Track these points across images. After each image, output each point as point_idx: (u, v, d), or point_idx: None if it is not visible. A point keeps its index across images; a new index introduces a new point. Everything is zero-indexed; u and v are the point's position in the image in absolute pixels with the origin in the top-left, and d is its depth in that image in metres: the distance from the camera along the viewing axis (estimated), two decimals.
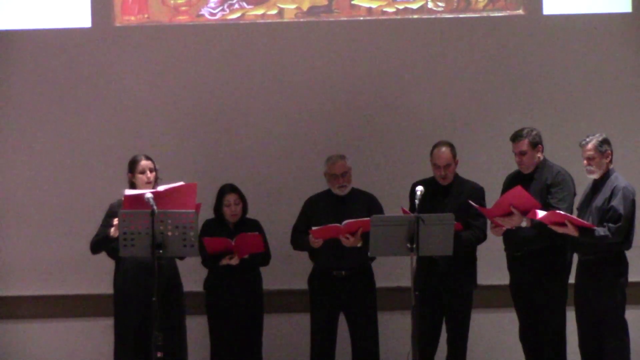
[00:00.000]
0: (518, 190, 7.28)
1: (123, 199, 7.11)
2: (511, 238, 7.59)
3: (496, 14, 8.89)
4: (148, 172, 7.40)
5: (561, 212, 7.23)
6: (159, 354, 6.72)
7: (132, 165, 7.47)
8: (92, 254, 7.63)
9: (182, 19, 8.94)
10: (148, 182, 7.36)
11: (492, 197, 7.66)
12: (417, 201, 7.02)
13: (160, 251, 6.79)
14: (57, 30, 8.86)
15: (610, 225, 7.17)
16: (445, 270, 7.59)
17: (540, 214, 7.20)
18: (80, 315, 8.80)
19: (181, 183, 7.14)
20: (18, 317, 8.81)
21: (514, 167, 7.76)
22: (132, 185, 7.44)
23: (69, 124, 8.86)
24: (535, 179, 7.63)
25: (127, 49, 8.89)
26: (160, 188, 7.12)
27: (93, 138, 8.85)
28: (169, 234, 6.80)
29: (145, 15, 8.95)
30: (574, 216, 7.30)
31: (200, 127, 8.84)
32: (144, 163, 7.43)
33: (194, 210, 6.83)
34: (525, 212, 7.28)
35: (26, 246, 8.82)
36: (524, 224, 7.36)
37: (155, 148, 8.44)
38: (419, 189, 7.09)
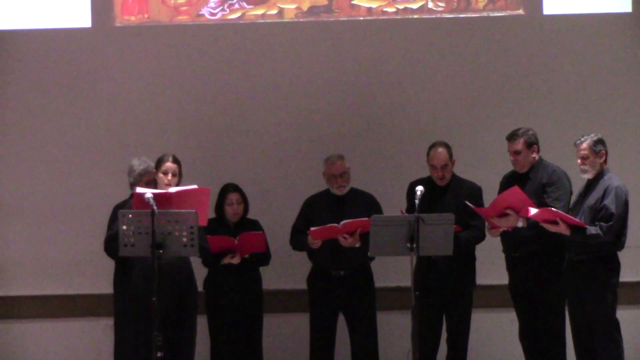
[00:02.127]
0: (514, 190, 7.28)
1: (133, 196, 7.06)
2: (509, 239, 7.59)
3: (496, 14, 8.89)
4: (170, 174, 7.35)
5: (553, 209, 7.23)
6: (159, 354, 6.70)
7: (158, 163, 7.43)
8: (106, 252, 7.60)
9: (182, 18, 8.94)
10: (168, 184, 7.32)
11: (491, 197, 7.64)
12: (417, 201, 7.00)
13: (161, 251, 6.77)
14: (57, 30, 8.86)
15: (602, 224, 7.17)
16: (445, 270, 7.59)
17: (533, 211, 7.20)
18: (80, 315, 8.79)
19: (195, 186, 7.10)
20: (18, 317, 8.81)
21: (512, 167, 7.76)
22: (154, 183, 7.41)
23: (69, 124, 8.86)
24: (531, 179, 7.63)
25: (127, 49, 8.89)
26: (173, 189, 7.08)
27: (93, 138, 8.85)
28: (169, 234, 6.78)
29: (145, 15, 8.96)
30: (567, 214, 7.31)
31: (201, 126, 8.84)
32: (169, 165, 7.38)
33: (194, 211, 6.82)
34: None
35: (26, 246, 8.82)
36: (520, 224, 7.35)
37: (156, 148, 8.44)
38: (419, 188, 7.06)
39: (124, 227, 6.80)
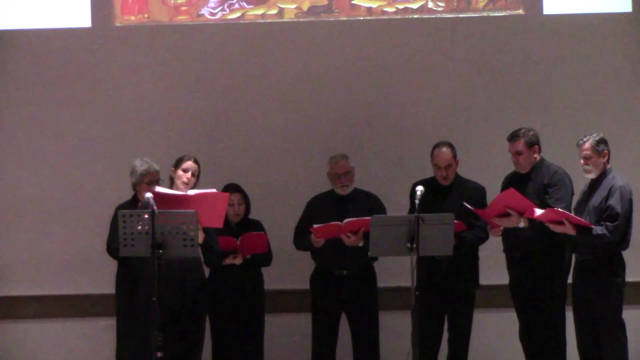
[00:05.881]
0: (511, 192, 7.28)
1: (152, 195, 7.00)
2: (510, 239, 7.59)
3: (496, 14, 8.90)
4: (190, 173, 7.28)
5: (558, 210, 7.23)
6: (159, 354, 6.70)
7: (179, 161, 7.34)
8: (108, 252, 7.59)
9: (182, 18, 8.94)
10: (185, 183, 7.27)
11: (494, 197, 7.64)
12: (417, 201, 7.00)
13: (160, 251, 6.76)
14: (57, 30, 8.86)
15: (608, 223, 7.18)
16: (448, 271, 7.59)
17: (538, 212, 7.21)
18: (80, 315, 8.79)
19: (213, 190, 7.07)
20: (18, 317, 8.80)
21: (514, 167, 7.76)
22: (171, 181, 7.38)
23: (69, 124, 8.86)
24: (533, 179, 7.63)
25: (127, 49, 8.89)
26: (192, 192, 7.06)
27: (93, 138, 8.85)
28: (170, 234, 6.77)
29: (145, 15, 8.96)
30: (572, 214, 7.31)
31: (201, 127, 8.84)
32: (190, 164, 7.29)
33: (194, 211, 6.81)
34: (522, 213, 7.29)
35: (26, 246, 8.81)
36: (522, 224, 7.35)
37: (156, 148, 8.46)
38: (419, 188, 7.05)
39: (124, 228, 6.78)
